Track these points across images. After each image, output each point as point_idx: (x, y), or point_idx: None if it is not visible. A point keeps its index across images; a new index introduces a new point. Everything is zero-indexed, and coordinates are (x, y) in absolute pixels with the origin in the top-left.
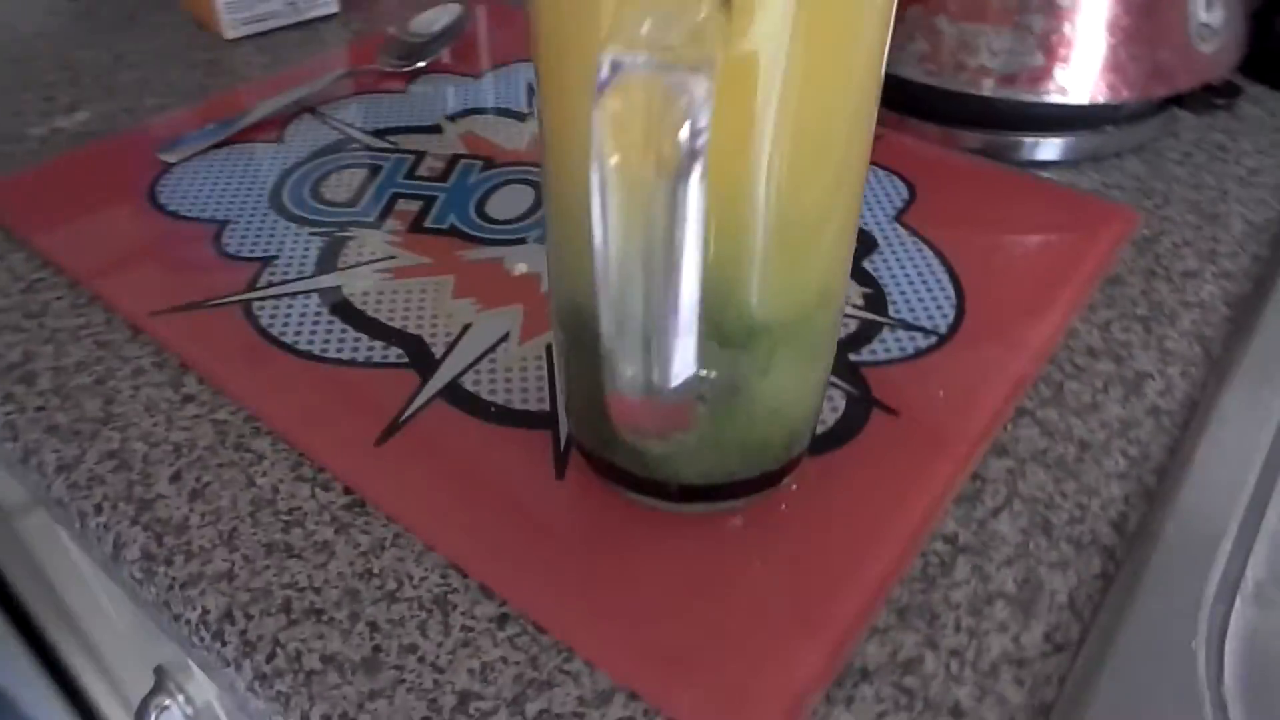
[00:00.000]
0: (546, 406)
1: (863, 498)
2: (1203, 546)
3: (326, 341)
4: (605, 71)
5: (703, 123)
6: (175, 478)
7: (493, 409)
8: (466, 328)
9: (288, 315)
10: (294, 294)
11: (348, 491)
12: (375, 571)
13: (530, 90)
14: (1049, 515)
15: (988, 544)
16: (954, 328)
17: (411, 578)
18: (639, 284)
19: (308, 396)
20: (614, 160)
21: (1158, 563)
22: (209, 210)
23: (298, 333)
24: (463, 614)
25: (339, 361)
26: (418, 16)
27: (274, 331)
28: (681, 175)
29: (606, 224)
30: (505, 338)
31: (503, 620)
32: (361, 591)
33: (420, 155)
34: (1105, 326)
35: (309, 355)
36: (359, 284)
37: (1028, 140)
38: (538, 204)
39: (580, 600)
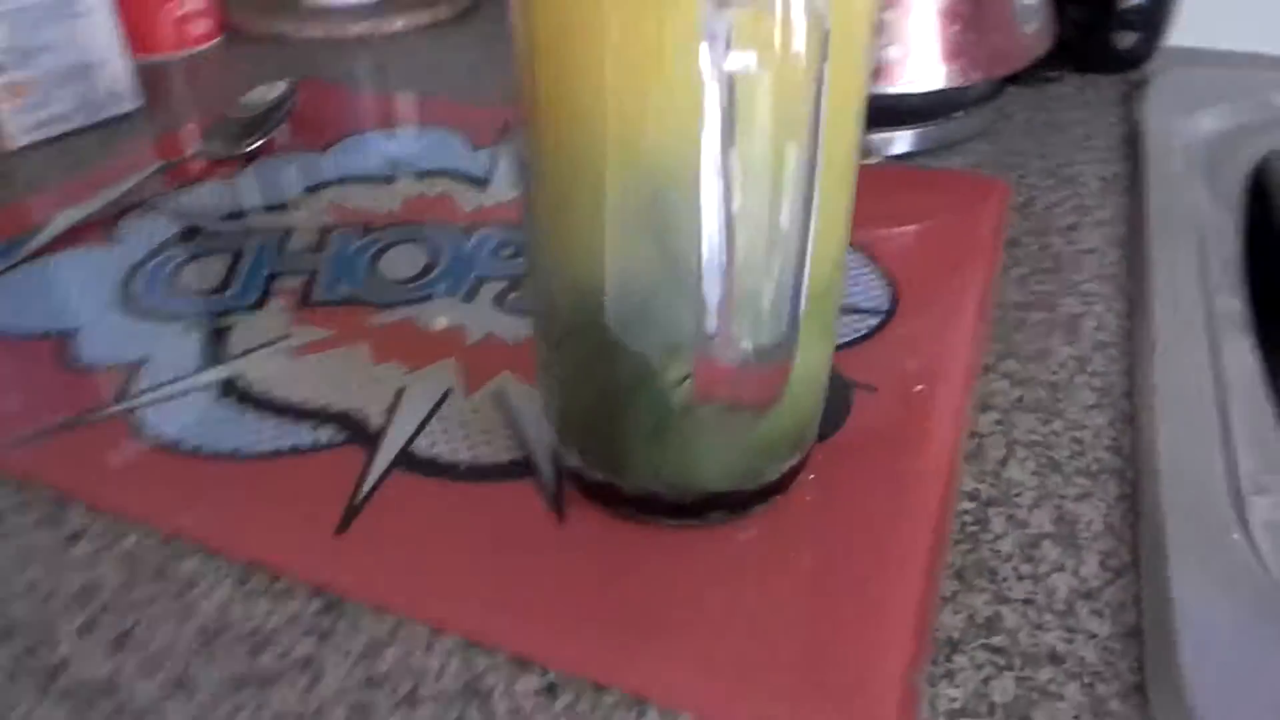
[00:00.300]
0: (520, 454)
1: (880, 474)
2: (1196, 451)
3: (239, 436)
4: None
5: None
6: (86, 630)
7: (462, 468)
8: (400, 392)
9: (181, 418)
10: (182, 394)
11: (318, 593)
12: (382, 675)
13: (391, 162)
14: (1052, 454)
15: (1009, 493)
16: (894, 306)
17: (428, 671)
18: (763, 228)
19: (235, 500)
20: (747, 62)
21: (1167, 474)
22: (43, 324)
23: (199, 434)
24: (504, 695)
25: (261, 455)
26: (244, 97)
27: (169, 438)
28: (819, 63)
29: (728, 171)
30: (448, 394)
31: (552, 691)
32: (373, 703)
33: (286, 232)
34: (1023, 281)
35: (222, 455)
36: (258, 370)
37: (883, 136)
38: (434, 261)
39: (631, 644)
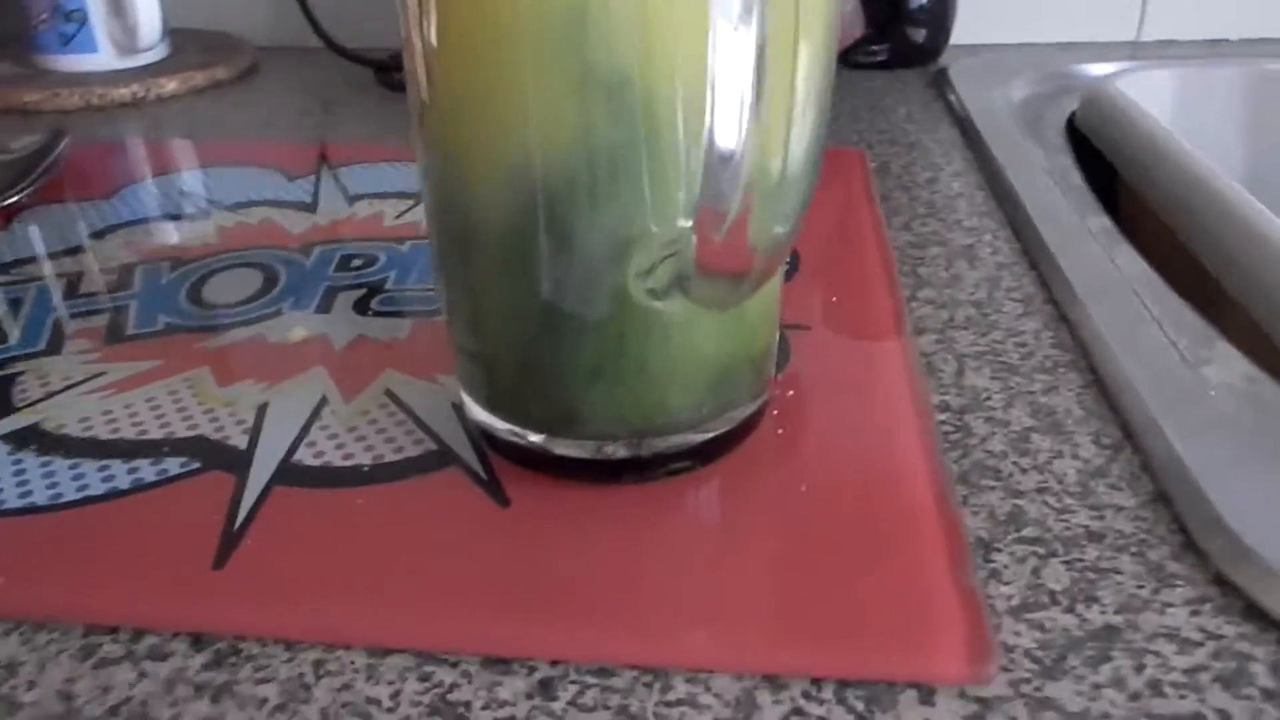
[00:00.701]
0: (432, 446)
1: (845, 401)
2: (1136, 333)
3: (55, 486)
4: None
5: None
6: None
7: (366, 469)
8: (262, 408)
9: None
10: None
11: (197, 643)
12: (328, 716)
13: (195, 200)
14: (1002, 360)
15: (979, 398)
16: (795, 262)
17: (378, 701)
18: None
19: (61, 555)
20: None
21: (1122, 355)
22: None
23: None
24: (486, 705)
25: (89, 500)
26: (11, 145)
27: None
28: None
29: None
30: (323, 402)
31: (548, 686)
32: None
33: (76, 275)
34: (908, 227)
35: (32, 510)
36: (65, 414)
37: None
38: (272, 280)
39: (636, 618)
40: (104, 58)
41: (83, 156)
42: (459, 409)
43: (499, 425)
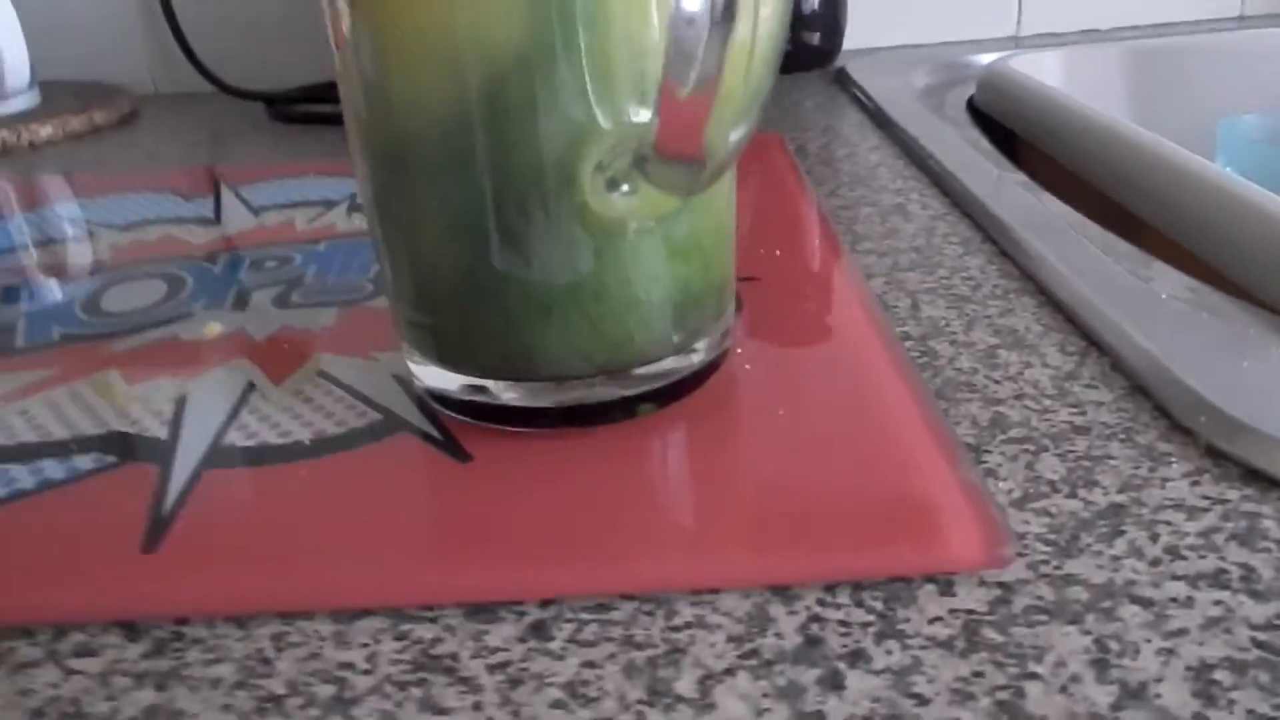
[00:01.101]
0: (379, 416)
1: (808, 336)
2: (1078, 256)
3: None
4: None
5: None
6: None
7: (308, 443)
8: (181, 400)
9: None
10: None
11: (132, 633)
12: (282, 689)
13: (81, 223)
14: (954, 292)
15: (938, 326)
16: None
17: (354, 664)
18: None
19: None
20: None
21: (1071, 275)
22: None
23: None
24: (476, 654)
25: (3, 497)
26: None
27: None
28: None
29: None
30: (250, 388)
31: (540, 628)
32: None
33: None
34: (835, 193)
35: None
36: None
37: None
38: (178, 286)
39: (626, 546)
40: None
41: None
42: (403, 381)
43: (452, 380)
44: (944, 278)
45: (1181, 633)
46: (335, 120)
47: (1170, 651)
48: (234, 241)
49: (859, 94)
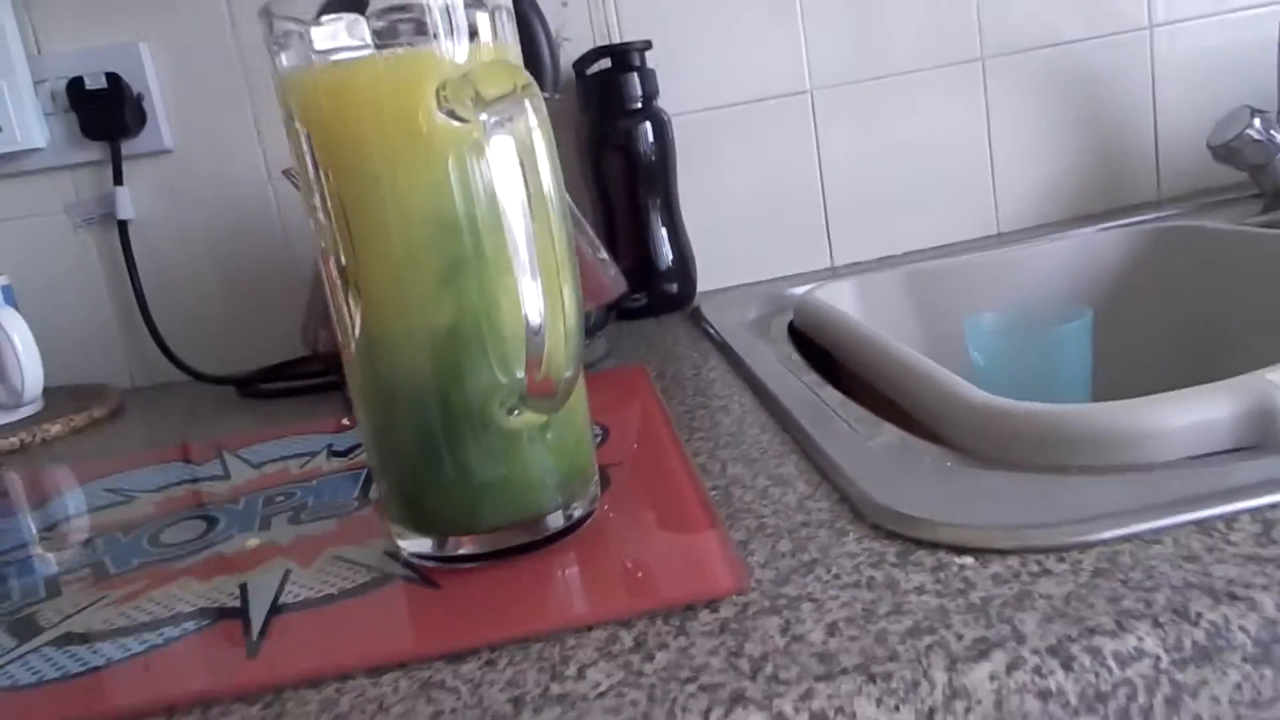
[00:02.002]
0: (379, 574)
1: (651, 496)
2: (827, 424)
3: (104, 655)
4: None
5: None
6: None
7: (336, 594)
8: (243, 585)
9: (35, 669)
10: (17, 659)
11: (250, 701)
12: (349, 714)
13: (119, 492)
14: (749, 456)
15: (735, 478)
16: (606, 433)
17: (382, 697)
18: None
19: (132, 683)
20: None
21: (819, 439)
22: None
23: (64, 668)
24: (454, 680)
25: (137, 654)
26: None
27: (37, 680)
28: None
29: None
30: (289, 573)
31: (493, 664)
32: None
33: (44, 555)
34: (681, 403)
35: (103, 667)
36: (90, 621)
37: None
38: (214, 522)
39: (546, 606)
40: None
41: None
42: (389, 554)
43: (425, 542)
44: (745, 449)
45: (837, 617)
46: (296, 393)
47: (831, 627)
48: (246, 489)
49: (708, 328)
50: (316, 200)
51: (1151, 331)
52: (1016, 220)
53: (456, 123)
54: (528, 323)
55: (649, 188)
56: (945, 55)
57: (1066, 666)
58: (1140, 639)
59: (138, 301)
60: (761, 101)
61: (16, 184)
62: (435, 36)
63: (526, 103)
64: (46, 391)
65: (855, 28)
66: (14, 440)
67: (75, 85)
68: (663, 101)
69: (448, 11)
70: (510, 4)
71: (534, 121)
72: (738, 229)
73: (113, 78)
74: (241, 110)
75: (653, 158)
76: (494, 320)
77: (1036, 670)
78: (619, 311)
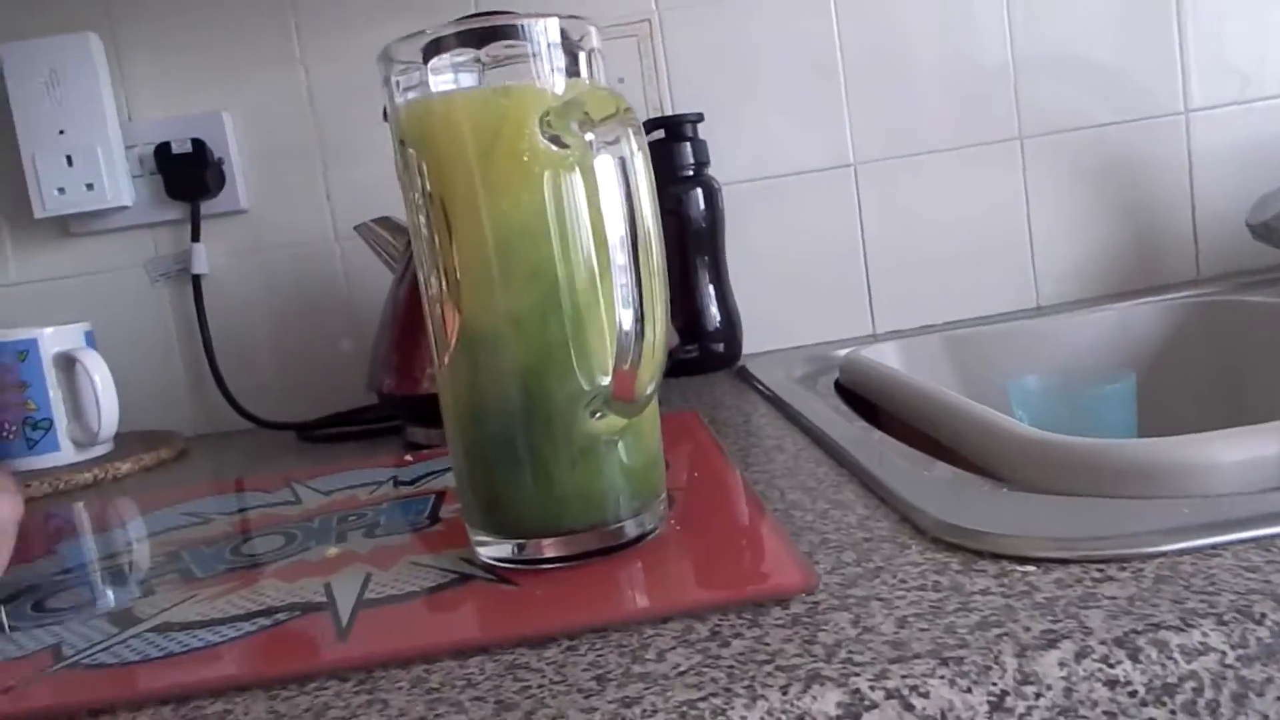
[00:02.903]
0: (457, 575)
1: (715, 516)
2: (882, 456)
3: (204, 640)
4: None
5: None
6: None
7: (419, 590)
8: (328, 585)
9: (139, 649)
10: (120, 642)
11: (343, 678)
12: (436, 691)
13: (197, 514)
14: (806, 485)
15: (798, 504)
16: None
17: (470, 678)
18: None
19: (240, 660)
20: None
21: (874, 469)
22: None
23: (171, 647)
24: (538, 662)
25: (235, 639)
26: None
27: (144, 658)
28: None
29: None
30: (369, 576)
31: (574, 648)
32: (441, 710)
33: (127, 565)
34: (734, 442)
35: (204, 647)
36: (186, 613)
37: None
38: (291, 537)
39: (626, 600)
40: (65, 455)
41: (70, 516)
42: (467, 560)
43: (505, 546)
44: (801, 479)
45: (906, 613)
46: (355, 438)
47: (901, 620)
48: (318, 511)
49: (756, 384)
50: (422, 219)
51: (1192, 399)
52: (1056, 295)
53: (557, 148)
54: (620, 327)
55: (698, 251)
56: (984, 134)
57: (1133, 658)
58: (1205, 635)
59: (206, 352)
60: (807, 174)
61: (102, 239)
62: (538, 72)
63: (629, 125)
64: (116, 435)
65: (897, 106)
66: (87, 476)
67: (162, 150)
68: (713, 171)
69: (548, 50)
70: (602, 46)
71: (635, 141)
72: (783, 295)
73: (197, 143)
74: (313, 174)
75: (703, 223)
76: (584, 331)
77: (1104, 660)
78: (670, 365)
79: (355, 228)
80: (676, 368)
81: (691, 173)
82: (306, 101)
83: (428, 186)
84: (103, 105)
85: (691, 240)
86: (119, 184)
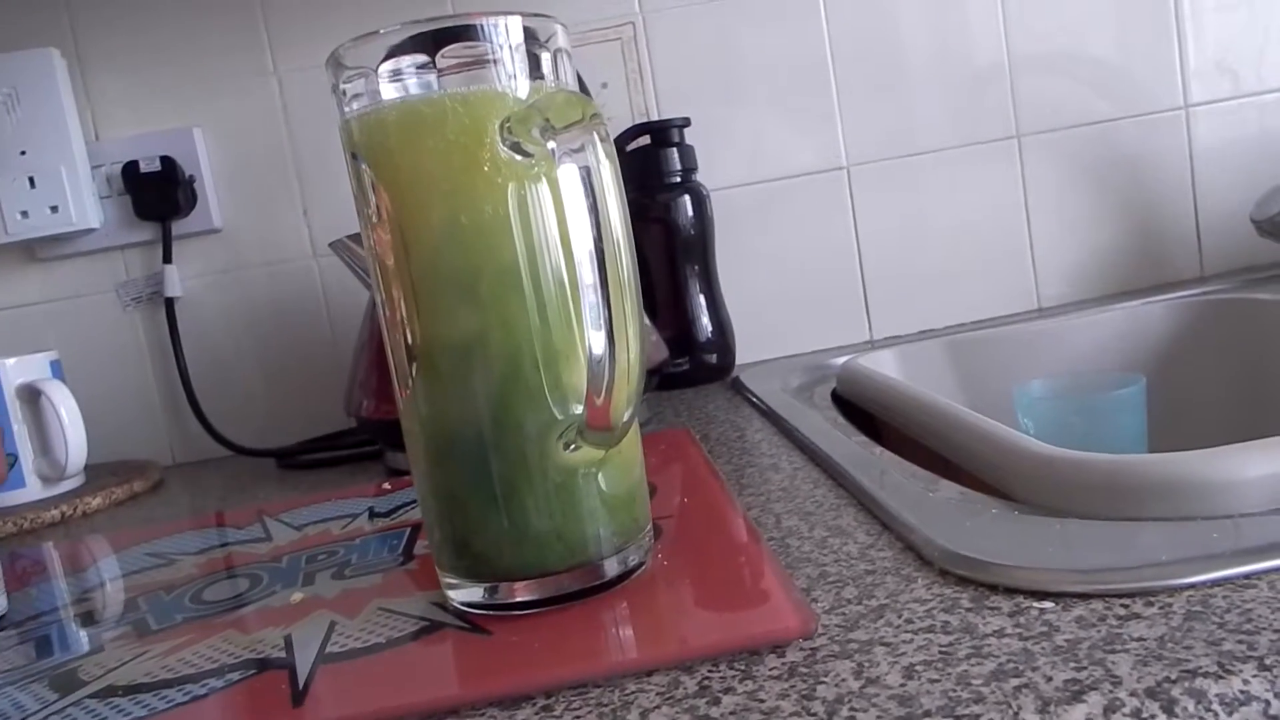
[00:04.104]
0: (427, 623)
1: (706, 546)
2: (884, 477)
3: (148, 706)
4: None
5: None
6: None
7: (385, 642)
8: (288, 637)
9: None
10: (57, 712)
11: None
12: None
13: (161, 555)
14: (804, 509)
15: (793, 531)
16: (653, 490)
17: None
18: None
19: None
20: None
21: (875, 491)
22: None
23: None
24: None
25: (180, 704)
26: None
27: None
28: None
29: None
30: (334, 624)
31: (550, 708)
32: None
33: (87, 614)
34: (729, 461)
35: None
36: (133, 673)
37: None
38: (256, 580)
39: (609, 651)
40: (31, 491)
41: (37, 558)
42: (439, 605)
43: (476, 590)
44: (798, 503)
45: (914, 660)
46: (335, 464)
47: (908, 670)
48: (288, 549)
49: (750, 396)
50: (377, 238)
51: (1201, 401)
52: (1057, 297)
53: (520, 157)
54: (590, 351)
55: (688, 260)
56: (980, 133)
57: (1168, 710)
58: (1246, 682)
59: (181, 378)
60: (798, 178)
61: (70, 264)
62: (499, 76)
63: (595, 132)
64: (89, 467)
65: (889, 106)
66: (55, 513)
67: (130, 169)
68: (701, 177)
69: (511, 51)
70: (569, 46)
71: (602, 150)
72: (776, 302)
73: (166, 161)
74: (289, 190)
75: (691, 231)
76: (554, 355)
77: (1136, 714)
78: (660, 379)
79: (330, 245)
80: (668, 380)
81: (679, 179)
82: (280, 115)
83: (381, 202)
84: (66, 124)
85: (680, 248)
86: (85, 206)
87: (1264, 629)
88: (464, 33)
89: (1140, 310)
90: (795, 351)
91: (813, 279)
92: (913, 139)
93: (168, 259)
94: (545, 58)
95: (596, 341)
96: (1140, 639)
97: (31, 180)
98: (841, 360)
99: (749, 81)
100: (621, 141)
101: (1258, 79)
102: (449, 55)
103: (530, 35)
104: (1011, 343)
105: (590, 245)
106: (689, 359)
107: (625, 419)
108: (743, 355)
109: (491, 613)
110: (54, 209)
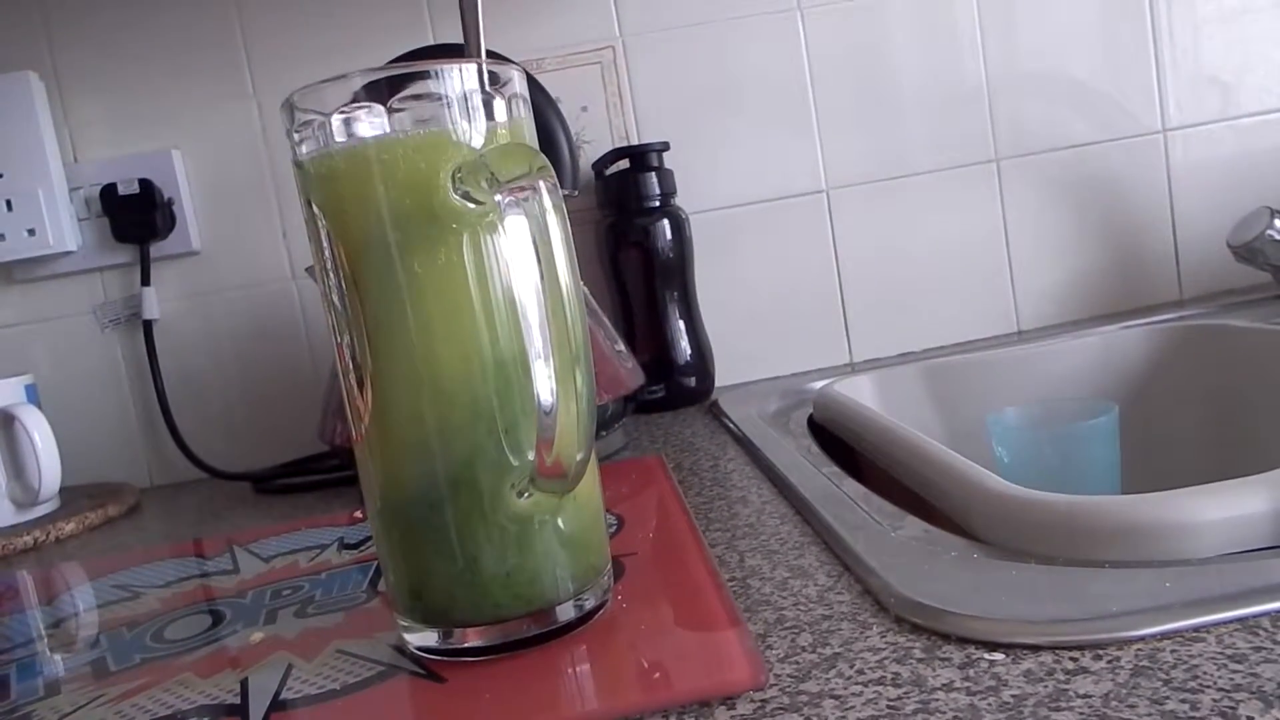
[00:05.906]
0: (383, 667)
1: (666, 586)
2: (848, 514)
3: None
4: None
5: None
6: None
7: (340, 689)
8: (244, 681)
9: None
10: None
11: None
12: None
13: (126, 587)
14: (768, 548)
15: (754, 570)
16: (621, 522)
17: None
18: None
19: None
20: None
21: (840, 529)
22: None
23: None
24: None
25: None
26: None
27: None
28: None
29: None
30: (291, 667)
31: None
32: None
33: (47, 651)
34: (699, 493)
35: None
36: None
37: None
38: (220, 617)
39: (565, 693)
40: (4, 516)
41: (8, 584)
42: (398, 649)
43: (431, 636)
44: (763, 540)
45: (861, 715)
46: (311, 488)
47: None
48: (254, 582)
49: (726, 421)
50: (331, 284)
51: (1177, 428)
52: (1036, 319)
53: (471, 205)
54: (539, 402)
55: (667, 284)
56: (959, 156)
57: None
58: None
59: (159, 400)
60: (778, 200)
61: (47, 286)
62: (452, 120)
63: (541, 184)
64: (64, 490)
65: (869, 129)
66: (28, 539)
67: (108, 191)
68: (680, 200)
69: (464, 96)
70: (526, 92)
71: (549, 202)
72: (755, 325)
73: (145, 183)
74: (269, 213)
75: (670, 254)
76: (506, 402)
77: None
78: (637, 404)
79: (307, 269)
80: (646, 405)
81: (658, 203)
82: (260, 137)
83: (334, 248)
84: (43, 146)
85: (659, 272)
86: (63, 228)
87: (1208, 687)
88: (417, 79)
89: (1117, 336)
90: (775, 374)
91: (793, 301)
92: (892, 162)
93: (146, 281)
94: (499, 104)
95: (545, 391)
96: (1086, 696)
97: (9, 203)
98: (820, 384)
99: (729, 105)
100: (601, 165)
101: (1236, 103)
102: (404, 99)
103: (486, 81)
104: (988, 369)
105: (536, 296)
106: (667, 383)
107: (576, 467)
108: (723, 378)
109: (446, 658)
110: (31, 231)
